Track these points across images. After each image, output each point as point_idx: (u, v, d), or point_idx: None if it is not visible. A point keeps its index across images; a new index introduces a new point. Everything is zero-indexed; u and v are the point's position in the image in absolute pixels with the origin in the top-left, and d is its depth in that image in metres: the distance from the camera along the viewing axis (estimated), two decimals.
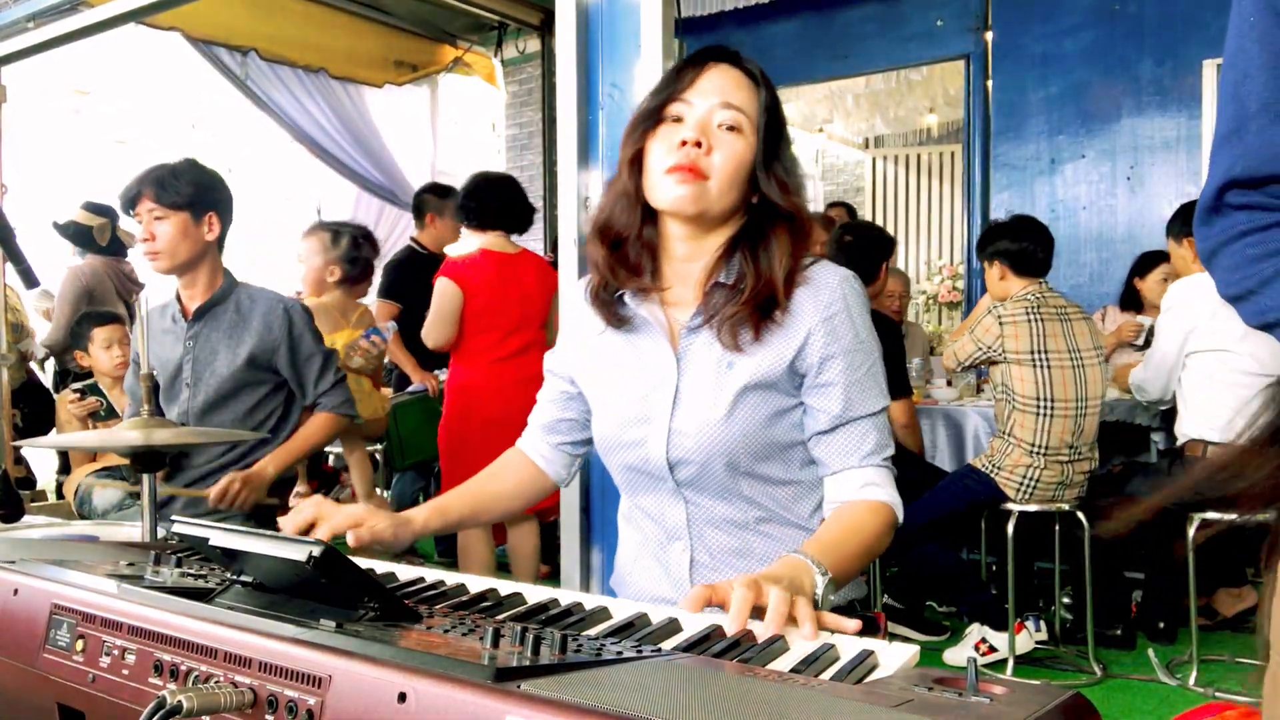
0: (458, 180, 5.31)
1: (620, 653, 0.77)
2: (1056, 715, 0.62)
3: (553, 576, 4.03)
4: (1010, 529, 3.20)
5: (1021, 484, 3.20)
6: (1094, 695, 2.97)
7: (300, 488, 3.26)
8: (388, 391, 3.93)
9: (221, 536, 0.89)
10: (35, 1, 3.36)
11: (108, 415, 3.51)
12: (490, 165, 6.65)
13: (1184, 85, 4.50)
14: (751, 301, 1.23)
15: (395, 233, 6.31)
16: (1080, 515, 3.22)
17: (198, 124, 9.78)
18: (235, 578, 0.93)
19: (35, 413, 4.39)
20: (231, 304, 2.41)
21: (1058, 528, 3.46)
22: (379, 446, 5.14)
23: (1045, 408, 3.17)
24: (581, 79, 2.08)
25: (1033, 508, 3.22)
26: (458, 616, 0.91)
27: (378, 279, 4.22)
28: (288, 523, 1.23)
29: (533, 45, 6.16)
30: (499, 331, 3.46)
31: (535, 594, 1.03)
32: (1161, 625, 3.44)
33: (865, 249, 3.62)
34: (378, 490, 4.72)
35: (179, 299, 2.44)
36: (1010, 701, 0.63)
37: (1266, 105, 0.89)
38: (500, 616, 0.94)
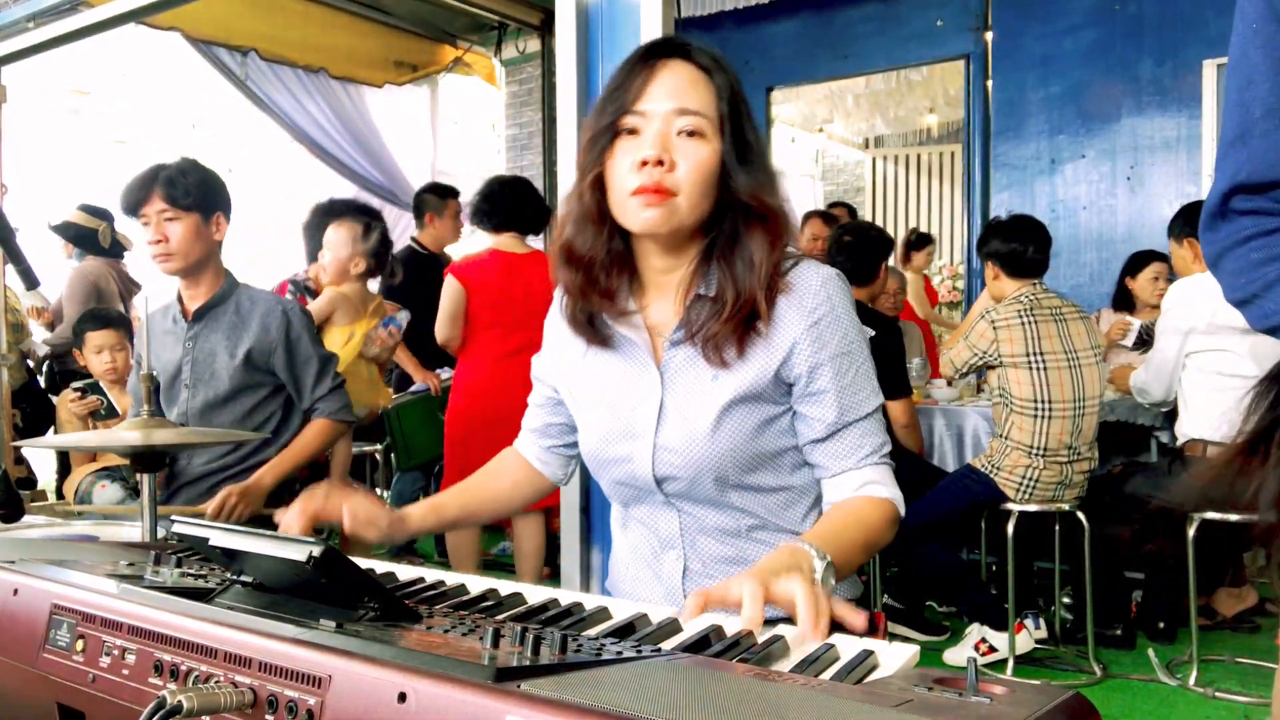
0: (458, 180, 5.32)
1: (620, 653, 0.77)
2: (1056, 715, 0.62)
3: (553, 578, 4.03)
4: (1010, 529, 3.21)
5: (1021, 484, 3.20)
6: (1094, 695, 2.97)
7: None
8: (389, 392, 3.93)
9: (221, 536, 0.89)
10: (35, 1, 3.36)
11: (108, 414, 3.51)
12: (490, 165, 6.66)
13: (1184, 85, 4.50)
14: (733, 319, 1.19)
15: (395, 232, 6.30)
16: (1080, 515, 3.22)
17: (198, 124, 9.78)
18: (235, 578, 0.93)
19: (35, 413, 4.39)
20: (231, 305, 2.41)
21: (1058, 528, 3.46)
22: (379, 446, 5.14)
23: (1042, 409, 3.17)
24: (581, 79, 2.08)
25: (1032, 508, 3.22)
26: (458, 616, 0.91)
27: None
28: (287, 517, 1.23)
29: (533, 45, 6.16)
30: (501, 329, 3.53)
31: (535, 594, 1.03)
32: (1161, 625, 3.44)
33: (865, 250, 3.62)
34: (377, 490, 4.72)
35: (180, 300, 2.45)
36: (1010, 701, 0.63)
37: (1271, 111, 0.90)
38: (500, 616, 0.94)
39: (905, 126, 8.44)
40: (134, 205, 2.31)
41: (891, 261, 4.08)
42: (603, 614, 0.95)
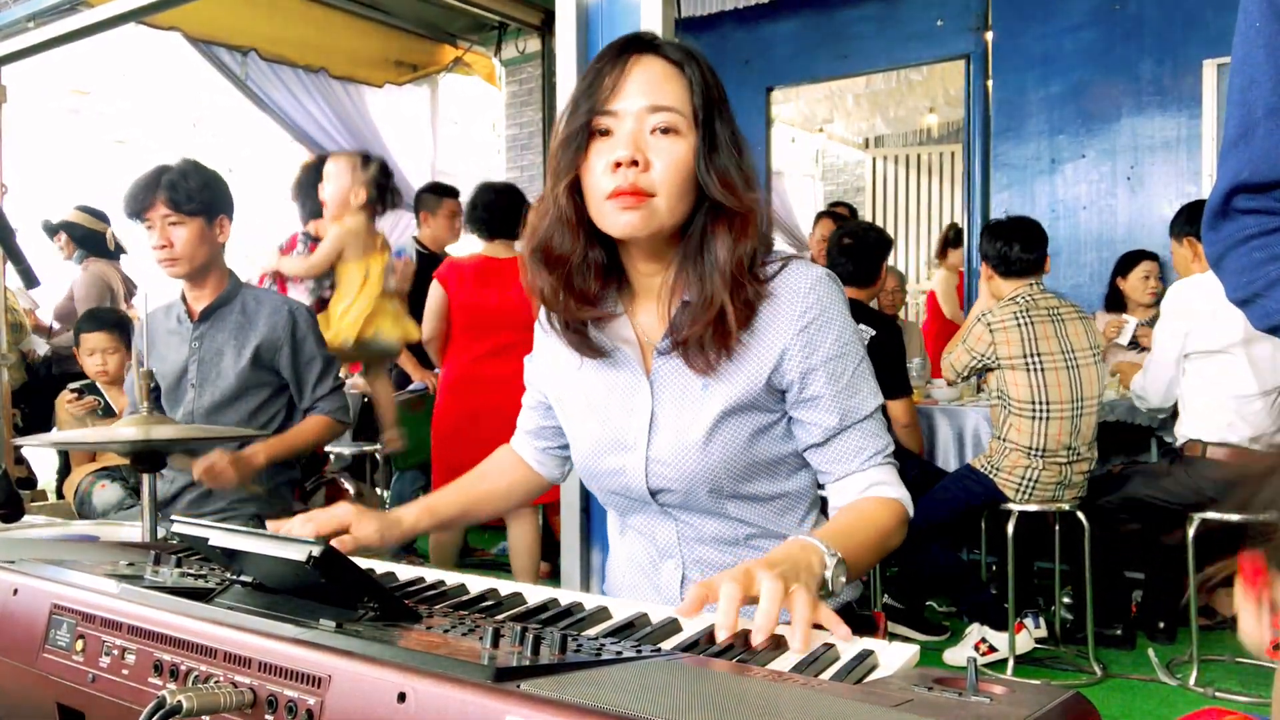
0: (458, 180, 5.32)
1: (620, 653, 0.77)
2: (1056, 715, 0.62)
3: (553, 576, 4.04)
4: (1010, 529, 3.21)
5: (1020, 484, 3.20)
6: (1094, 695, 2.98)
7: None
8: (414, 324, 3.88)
9: (221, 536, 0.89)
10: (35, 1, 3.36)
11: (105, 414, 3.52)
12: (490, 165, 6.66)
13: (1184, 85, 4.50)
14: (700, 322, 1.15)
15: (395, 232, 6.30)
16: (1080, 515, 3.22)
17: (198, 124, 9.78)
18: (235, 578, 0.93)
19: (34, 413, 4.39)
20: (237, 305, 2.42)
21: (1058, 528, 3.46)
22: (378, 446, 5.14)
23: (1040, 410, 3.17)
24: None
25: (1032, 507, 3.22)
26: (457, 616, 0.91)
27: None
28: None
29: (533, 45, 6.15)
30: (477, 330, 3.65)
31: (535, 594, 1.03)
32: (1161, 625, 3.44)
33: (865, 251, 3.62)
34: (377, 490, 4.72)
35: (184, 300, 2.45)
36: (1010, 701, 0.63)
37: (1273, 110, 0.90)
38: (500, 616, 0.94)
39: (905, 126, 8.44)
40: (137, 209, 2.31)
41: (890, 260, 4.09)
42: (603, 614, 0.95)
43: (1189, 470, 3.18)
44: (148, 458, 1.75)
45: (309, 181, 3.45)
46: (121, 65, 8.66)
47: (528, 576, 3.70)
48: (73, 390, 3.54)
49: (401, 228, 6.21)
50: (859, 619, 1.33)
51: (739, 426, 1.20)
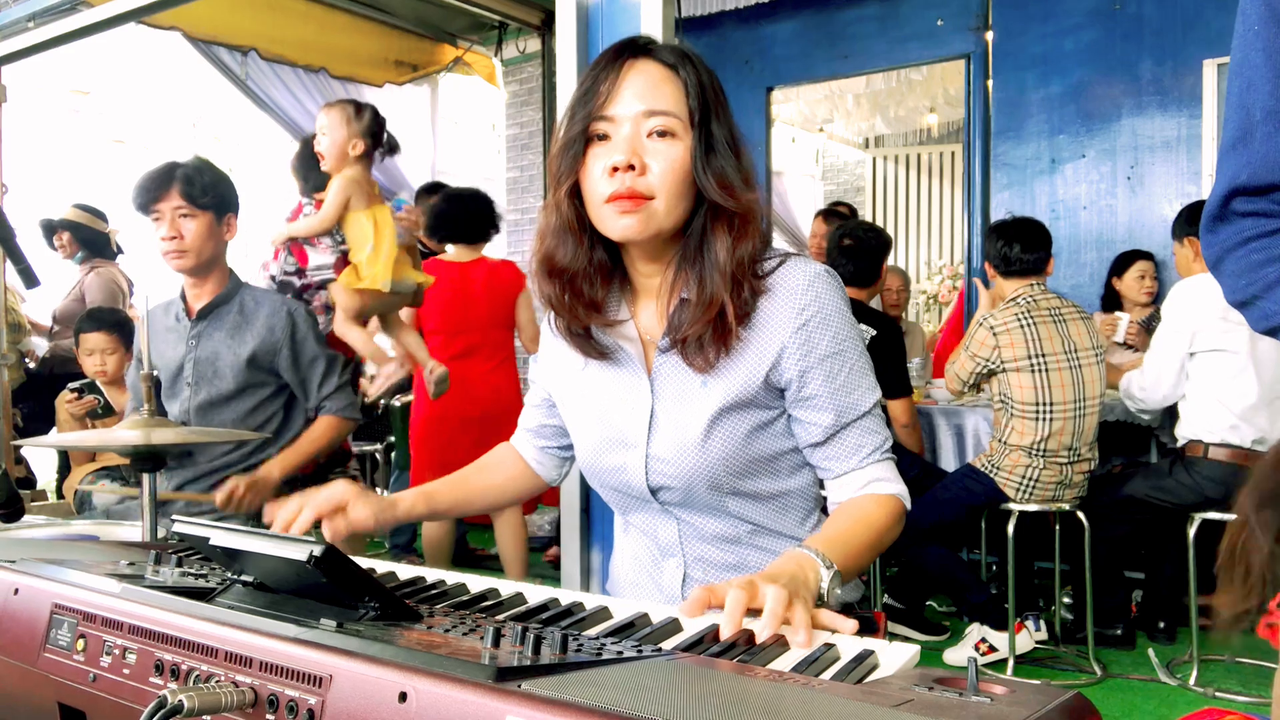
0: (458, 180, 5.32)
1: (620, 653, 0.77)
2: (1056, 715, 0.62)
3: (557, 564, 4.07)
4: (1010, 529, 3.21)
5: (1021, 484, 3.20)
6: (1094, 695, 2.97)
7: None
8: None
9: (222, 536, 0.89)
10: (35, 1, 3.36)
11: (104, 412, 3.52)
12: (490, 165, 6.66)
13: (1184, 85, 4.50)
14: (700, 321, 1.16)
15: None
16: (1080, 515, 3.23)
17: (198, 124, 9.77)
18: (236, 577, 0.93)
19: (33, 413, 4.39)
20: (236, 304, 2.42)
21: (1058, 528, 3.46)
22: (379, 446, 5.13)
23: (1044, 412, 3.17)
24: None
25: (1033, 507, 3.22)
26: (458, 616, 0.91)
27: None
28: (277, 519, 1.23)
29: (533, 45, 6.15)
30: (444, 335, 3.75)
31: (536, 594, 1.03)
32: (1161, 625, 3.44)
33: (866, 251, 3.62)
34: (377, 489, 4.72)
35: (184, 298, 2.45)
36: (1010, 701, 0.63)
37: (1271, 113, 0.90)
38: (500, 616, 0.94)
39: (905, 126, 8.44)
40: (148, 201, 2.32)
41: (890, 260, 4.09)
42: (603, 614, 0.95)
43: (1190, 470, 3.18)
44: (148, 458, 1.75)
45: (306, 155, 3.43)
46: (121, 65, 8.66)
47: (518, 568, 3.77)
48: (72, 390, 3.54)
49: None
50: (859, 619, 1.33)
51: (737, 423, 1.21)
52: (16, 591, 0.99)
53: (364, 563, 1.15)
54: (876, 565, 3.65)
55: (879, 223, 7.98)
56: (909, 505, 1.24)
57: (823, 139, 8.79)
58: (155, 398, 1.79)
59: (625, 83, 1.16)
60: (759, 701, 0.64)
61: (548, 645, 0.73)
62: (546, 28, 5.91)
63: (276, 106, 5.82)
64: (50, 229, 4.72)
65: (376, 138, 3.23)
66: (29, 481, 4.48)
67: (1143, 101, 4.61)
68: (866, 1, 5.37)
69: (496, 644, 0.75)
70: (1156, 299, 4.21)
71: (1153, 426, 3.75)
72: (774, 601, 0.88)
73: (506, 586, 1.05)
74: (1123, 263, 4.26)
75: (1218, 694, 2.97)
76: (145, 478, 1.74)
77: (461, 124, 7.12)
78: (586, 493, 2.14)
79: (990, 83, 5.02)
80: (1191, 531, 3.07)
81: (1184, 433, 3.26)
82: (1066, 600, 3.66)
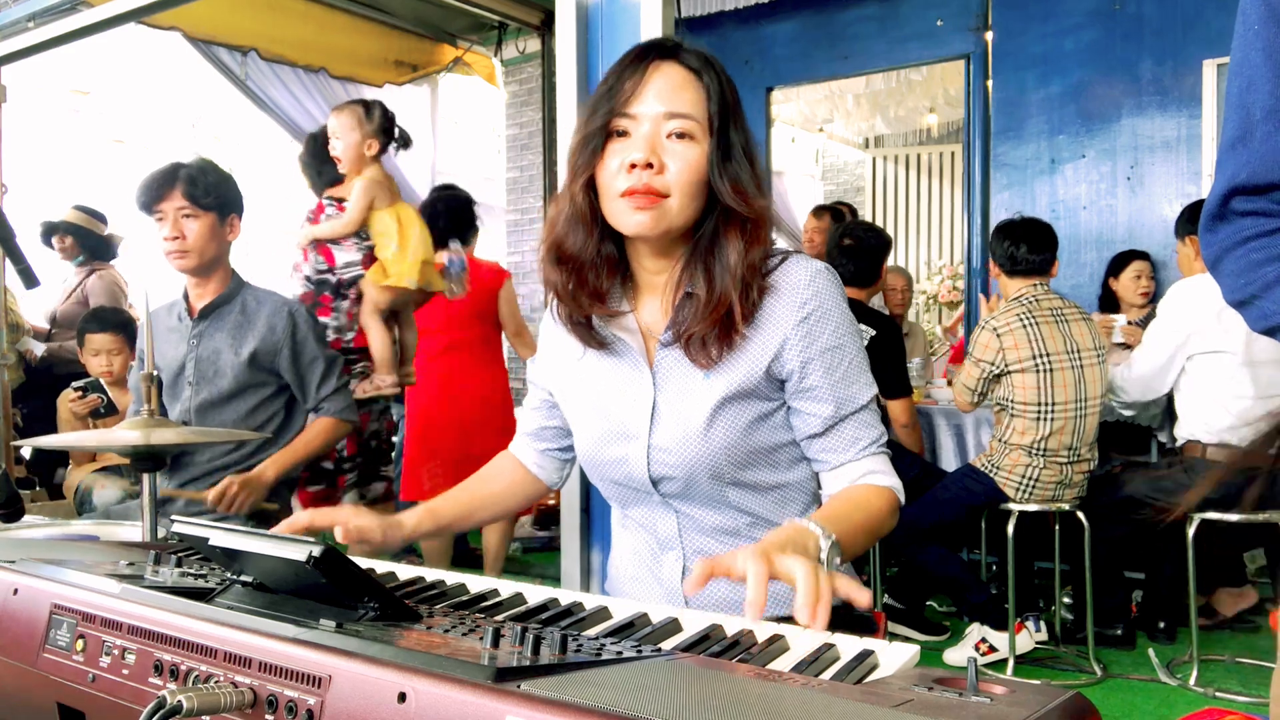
0: (458, 180, 5.32)
1: (620, 653, 0.77)
2: (1056, 715, 0.62)
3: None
4: (1010, 529, 3.21)
5: (1021, 483, 3.20)
6: (1094, 695, 2.97)
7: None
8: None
9: (221, 536, 0.89)
10: (35, 1, 3.36)
11: (107, 412, 3.52)
12: (490, 165, 6.66)
13: (1184, 85, 4.50)
14: (707, 319, 1.19)
15: None
16: (1080, 515, 3.22)
17: (198, 124, 9.77)
18: (235, 578, 0.93)
19: (32, 414, 4.39)
20: (238, 304, 2.42)
21: (1058, 528, 3.46)
22: None
23: (1045, 412, 3.17)
24: (581, 79, 2.08)
25: (1033, 507, 3.22)
26: (458, 616, 0.91)
27: None
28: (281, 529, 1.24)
29: (533, 45, 6.15)
30: (428, 335, 3.76)
31: (535, 594, 1.03)
32: (1161, 625, 3.44)
33: (866, 251, 3.63)
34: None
35: (186, 298, 2.45)
36: (1010, 701, 0.63)
37: (1271, 113, 0.90)
38: (500, 616, 0.94)
39: (905, 126, 8.44)
40: (151, 201, 2.32)
41: (890, 260, 4.09)
42: (603, 614, 0.95)
43: (1189, 470, 3.18)
44: (148, 458, 1.75)
45: (315, 153, 3.44)
46: (121, 65, 8.66)
47: (497, 562, 3.80)
48: (76, 388, 3.54)
49: None
50: (859, 619, 1.33)
51: (739, 413, 1.23)
52: (16, 591, 0.99)
53: (363, 563, 1.15)
54: (876, 565, 3.65)
55: (879, 223, 7.98)
56: (903, 499, 1.26)
57: (823, 139, 8.79)
58: (157, 398, 1.78)
59: (649, 83, 1.19)
60: (759, 701, 0.64)
61: (547, 645, 0.73)
62: (546, 28, 5.91)
63: (276, 106, 5.81)
64: (50, 231, 4.72)
65: (389, 134, 3.26)
66: (28, 481, 4.48)
67: (1143, 101, 4.61)
68: (866, 1, 5.37)
69: (496, 644, 0.75)
70: (1154, 299, 4.21)
71: (1152, 427, 3.75)
72: (807, 580, 0.88)
73: (506, 586, 1.05)
74: (1119, 263, 4.26)
75: (1218, 694, 2.97)
76: (145, 478, 1.74)
77: (461, 124, 7.12)
78: (586, 493, 2.14)
79: (990, 83, 5.02)
80: (1191, 531, 3.07)
81: (1182, 433, 3.26)
82: (1066, 600, 3.66)
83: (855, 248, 3.61)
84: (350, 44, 5.98)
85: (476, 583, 1.07)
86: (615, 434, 1.29)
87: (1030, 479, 3.20)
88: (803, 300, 1.21)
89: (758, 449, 1.25)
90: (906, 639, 0.83)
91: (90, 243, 4.74)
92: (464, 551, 4.78)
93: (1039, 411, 3.17)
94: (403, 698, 0.67)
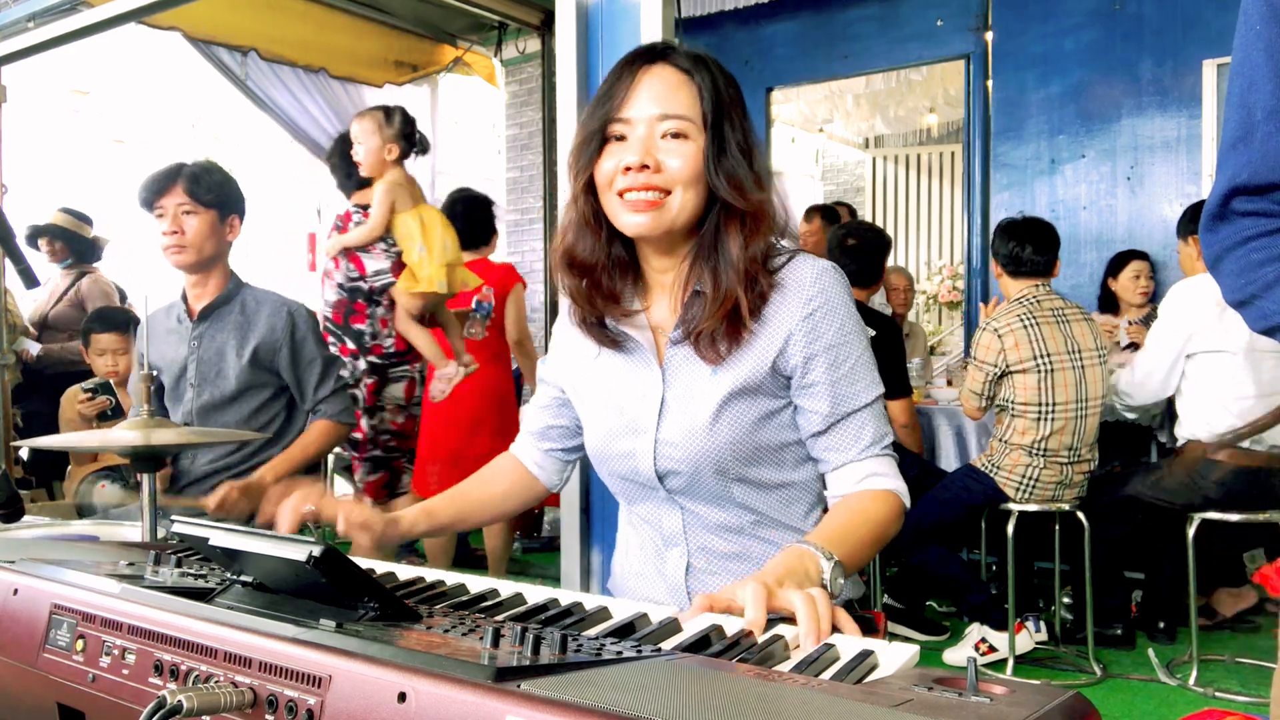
0: (458, 180, 5.32)
1: (620, 653, 0.77)
2: (1056, 715, 0.62)
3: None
4: (1010, 529, 3.21)
5: (1021, 483, 3.20)
6: (1094, 695, 2.97)
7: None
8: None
9: (221, 536, 0.89)
10: (35, 1, 3.36)
11: (114, 414, 3.53)
12: (490, 165, 6.66)
13: (1184, 85, 4.50)
14: (714, 315, 1.21)
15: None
16: (1080, 515, 3.22)
17: (197, 124, 9.77)
18: (235, 578, 0.93)
19: (31, 414, 4.39)
20: (237, 305, 2.42)
21: (1058, 528, 3.46)
22: None
23: (1046, 412, 3.17)
24: (581, 79, 2.08)
25: (1033, 507, 3.22)
26: (458, 616, 0.91)
27: None
28: (282, 514, 1.24)
29: (533, 45, 6.15)
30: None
31: (535, 594, 1.03)
32: (1161, 625, 3.44)
33: (867, 251, 3.63)
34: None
35: (184, 299, 2.45)
36: (1010, 701, 0.63)
37: (1273, 113, 0.90)
38: (500, 616, 0.94)
39: (905, 126, 8.44)
40: (153, 197, 2.33)
41: (890, 261, 4.09)
42: (603, 614, 0.95)
43: (1189, 470, 3.18)
44: (148, 459, 1.75)
45: (342, 153, 3.47)
46: (121, 65, 8.66)
47: (500, 563, 3.81)
48: (86, 391, 3.54)
49: None
50: (859, 619, 1.33)
51: (745, 409, 1.24)
52: (16, 592, 0.99)
53: (363, 563, 1.15)
54: (876, 565, 3.65)
55: (879, 223, 7.98)
56: (908, 503, 1.25)
57: (823, 139, 8.79)
58: (155, 399, 1.78)
59: (641, 86, 1.21)
60: (758, 702, 0.64)
61: (547, 645, 0.73)
62: (546, 28, 5.90)
63: (276, 106, 5.81)
64: (37, 234, 4.73)
65: (409, 139, 3.29)
66: (27, 482, 4.48)
67: (1143, 102, 4.61)
68: (866, 1, 5.37)
69: (496, 644, 0.75)
70: (1154, 299, 4.21)
71: (1152, 427, 3.75)
72: (806, 609, 0.88)
73: (506, 587, 1.05)
74: (1118, 263, 4.26)
75: (1218, 694, 2.97)
76: (145, 478, 1.74)
77: (461, 124, 7.12)
78: (587, 493, 2.14)
79: (990, 83, 5.02)
80: (1191, 531, 3.07)
81: (1183, 433, 3.26)
82: (1066, 600, 3.66)
83: (856, 247, 3.61)
84: (350, 44, 5.98)
85: (476, 583, 1.07)
86: (624, 429, 1.30)
87: (1030, 479, 3.20)
88: (808, 297, 1.22)
89: (763, 446, 1.26)
90: (906, 639, 0.84)
91: (78, 245, 4.75)
92: (465, 552, 4.78)
93: (1039, 412, 3.17)
94: (403, 698, 0.66)
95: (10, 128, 3.68)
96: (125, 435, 1.73)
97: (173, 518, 1.00)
